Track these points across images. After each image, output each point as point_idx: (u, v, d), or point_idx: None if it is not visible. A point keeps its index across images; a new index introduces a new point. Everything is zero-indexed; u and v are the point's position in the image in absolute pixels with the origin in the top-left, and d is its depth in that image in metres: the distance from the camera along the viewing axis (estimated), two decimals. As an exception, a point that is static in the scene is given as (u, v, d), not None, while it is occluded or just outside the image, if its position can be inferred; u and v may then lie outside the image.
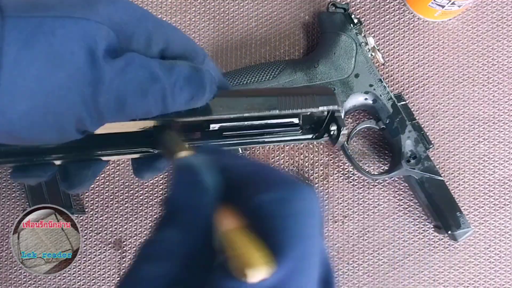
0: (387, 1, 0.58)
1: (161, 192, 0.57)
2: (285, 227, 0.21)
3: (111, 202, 0.57)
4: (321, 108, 0.33)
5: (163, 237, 0.23)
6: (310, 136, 0.36)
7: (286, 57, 0.58)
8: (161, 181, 0.57)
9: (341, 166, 0.57)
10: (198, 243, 0.22)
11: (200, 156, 0.25)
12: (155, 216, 0.57)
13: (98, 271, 0.57)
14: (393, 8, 0.58)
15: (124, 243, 0.57)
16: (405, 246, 0.56)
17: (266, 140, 0.35)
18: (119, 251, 0.57)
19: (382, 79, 0.53)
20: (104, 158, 0.34)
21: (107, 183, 0.57)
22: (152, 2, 0.58)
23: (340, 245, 0.56)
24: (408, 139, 0.53)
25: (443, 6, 0.53)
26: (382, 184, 0.57)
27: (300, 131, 0.35)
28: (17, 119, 0.24)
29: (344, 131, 0.34)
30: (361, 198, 0.56)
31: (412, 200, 0.56)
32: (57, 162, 0.32)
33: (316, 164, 0.57)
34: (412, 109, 0.54)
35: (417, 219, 0.56)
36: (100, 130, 0.27)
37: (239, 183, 0.23)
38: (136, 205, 0.57)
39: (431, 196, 0.52)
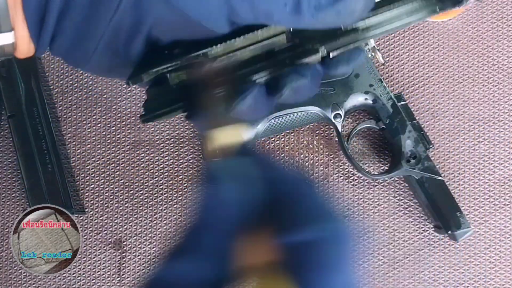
0: (387, 1, 0.58)
1: (161, 192, 0.57)
2: (312, 275, 0.19)
3: (111, 202, 0.57)
4: None
5: (175, 267, 0.20)
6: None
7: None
8: (162, 181, 0.57)
9: (341, 166, 0.57)
10: (214, 268, 0.20)
11: (231, 161, 0.22)
12: (155, 216, 0.57)
13: (98, 271, 0.57)
14: (393, 8, 0.58)
15: (124, 243, 0.57)
16: (405, 246, 0.56)
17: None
18: (119, 251, 0.57)
19: (382, 79, 0.53)
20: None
21: (107, 183, 0.57)
22: (152, 2, 0.58)
23: (340, 245, 0.56)
24: (408, 139, 0.53)
25: (443, 6, 0.53)
26: (382, 184, 0.57)
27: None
28: None
29: None
30: (361, 198, 0.56)
31: (412, 200, 0.56)
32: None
33: (316, 164, 0.57)
34: (412, 109, 0.54)
35: (417, 219, 0.56)
36: None
37: (273, 203, 0.20)
38: (136, 205, 0.57)
39: (431, 196, 0.52)
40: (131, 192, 0.57)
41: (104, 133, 0.58)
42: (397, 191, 0.56)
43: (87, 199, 0.57)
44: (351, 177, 0.57)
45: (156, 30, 0.28)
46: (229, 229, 0.20)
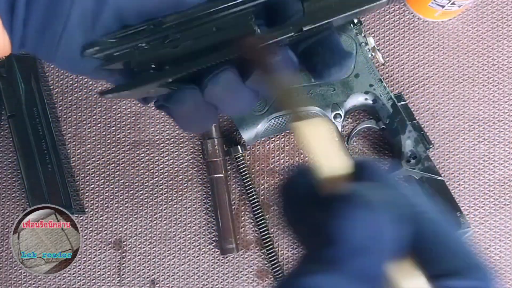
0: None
1: (161, 192, 0.57)
2: None
3: (111, 202, 0.57)
4: None
5: (326, 283, 0.19)
6: None
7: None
8: (162, 181, 0.57)
9: (341, 166, 0.57)
10: None
11: (381, 191, 0.21)
12: (155, 216, 0.57)
13: (98, 271, 0.57)
14: (393, 8, 0.58)
15: (124, 243, 0.57)
16: (405, 246, 0.56)
17: None
18: (119, 251, 0.57)
19: (382, 79, 0.53)
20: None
21: (107, 183, 0.57)
22: (152, 2, 0.58)
23: (340, 245, 0.56)
24: (408, 139, 0.53)
25: (443, 6, 0.53)
26: (382, 184, 0.56)
27: None
28: None
29: None
30: (361, 198, 0.56)
31: (412, 200, 0.56)
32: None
33: (316, 164, 0.57)
34: (412, 109, 0.54)
35: (417, 219, 0.56)
36: None
37: (424, 242, 0.20)
38: (136, 205, 0.57)
39: (431, 196, 0.52)
40: (131, 192, 0.57)
41: (104, 133, 0.58)
42: (397, 191, 0.56)
43: (87, 199, 0.57)
44: (351, 177, 0.57)
45: (123, 1, 0.29)
46: (380, 259, 0.20)
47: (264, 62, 0.28)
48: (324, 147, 0.22)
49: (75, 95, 0.58)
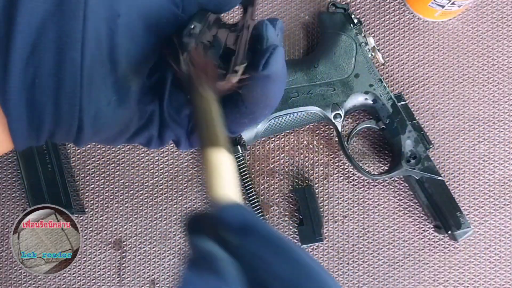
0: (387, 1, 0.58)
1: (161, 192, 0.57)
2: None
3: (111, 202, 0.57)
4: None
5: None
6: None
7: (286, 57, 0.58)
8: (162, 181, 0.57)
9: (341, 166, 0.57)
10: None
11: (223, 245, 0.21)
12: (155, 216, 0.57)
13: (98, 271, 0.57)
14: (393, 8, 0.58)
15: (124, 243, 0.57)
16: (405, 246, 0.56)
17: None
18: (119, 251, 0.57)
19: (382, 79, 0.53)
20: None
21: (107, 183, 0.57)
22: (152, 2, 0.58)
23: (340, 245, 0.56)
24: (408, 139, 0.53)
25: (443, 6, 0.53)
26: (382, 184, 0.57)
27: None
28: None
29: None
30: (361, 198, 0.56)
31: (412, 200, 0.56)
32: None
33: (316, 164, 0.57)
34: (412, 109, 0.54)
35: (417, 219, 0.56)
36: None
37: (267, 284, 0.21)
38: (136, 205, 0.57)
39: (431, 196, 0.52)
40: (131, 192, 0.57)
41: (104, 133, 0.58)
42: (397, 191, 0.56)
43: (87, 199, 0.57)
44: (351, 177, 0.57)
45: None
46: None
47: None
48: (224, 176, 0.24)
49: (75, 95, 0.58)
